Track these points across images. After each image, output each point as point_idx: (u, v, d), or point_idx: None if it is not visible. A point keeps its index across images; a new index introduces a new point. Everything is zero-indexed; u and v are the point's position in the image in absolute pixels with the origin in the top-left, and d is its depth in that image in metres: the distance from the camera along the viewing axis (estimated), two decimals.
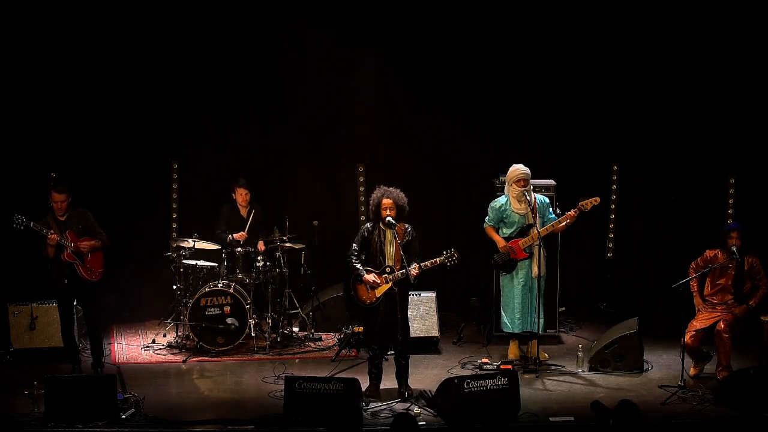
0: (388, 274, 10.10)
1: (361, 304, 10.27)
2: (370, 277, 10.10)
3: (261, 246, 12.11)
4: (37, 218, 10.52)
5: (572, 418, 9.68)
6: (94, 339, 10.86)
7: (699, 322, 10.78)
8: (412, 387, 10.29)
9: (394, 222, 10.10)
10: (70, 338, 10.79)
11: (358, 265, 10.15)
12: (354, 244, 10.24)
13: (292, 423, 9.44)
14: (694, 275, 10.84)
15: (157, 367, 11.32)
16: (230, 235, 11.99)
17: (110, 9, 12.60)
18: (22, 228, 10.39)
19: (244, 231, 12.12)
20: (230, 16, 12.84)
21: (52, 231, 10.42)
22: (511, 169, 11.24)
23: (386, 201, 10.11)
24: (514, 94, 13.27)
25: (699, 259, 10.94)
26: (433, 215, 13.30)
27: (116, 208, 12.81)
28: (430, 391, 10.11)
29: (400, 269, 10.07)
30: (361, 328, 11.19)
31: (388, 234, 10.17)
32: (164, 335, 12.19)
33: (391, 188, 10.19)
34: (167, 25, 12.73)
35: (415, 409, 9.82)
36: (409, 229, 10.22)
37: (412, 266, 10.03)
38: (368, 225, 10.29)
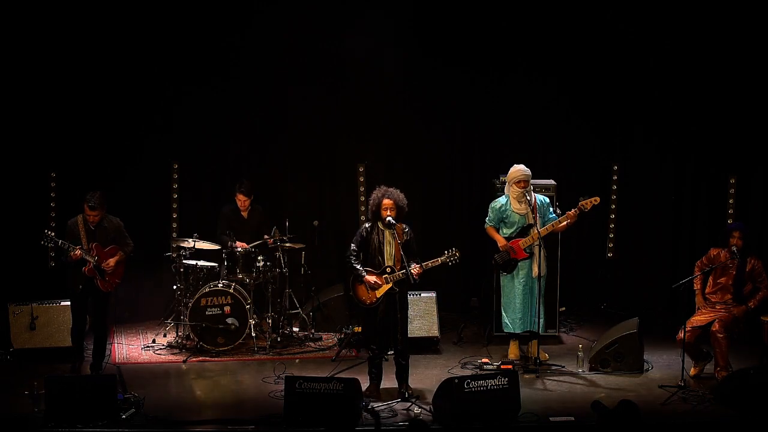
0: (389, 274, 10.10)
1: (360, 305, 10.27)
2: (372, 278, 10.10)
3: (243, 245, 12.05)
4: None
5: (572, 418, 9.69)
6: (98, 344, 10.85)
7: (697, 320, 10.80)
8: (412, 387, 10.29)
9: (393, 222, 10.10)
10: (79, 338, 10.78)
11: (358, 266, 10.15)
12: (352, 245, 10.24)
13: (293, 423, 9.44)
14: (698, 273, 10.85)
15: (157, 367, 11.32)
16: (232, 240, 11.96)
17: (111, 9, 12.60)
18: (50, 245, 10.39)
19: (246, 233, 12.13)
20: (231, 15, 12.84)
21: (79, 247, 10.40)
22: (511, 169, 11.24)
23: (387, 201, 10.11)
24: (515, 94, 13.27)
25: (704, 257, 10.96)
26: (433, 215, 13.30)
27: (116, 208, 12.74)
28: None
29: (400, 269, 10.07)
30: (360, 328, 11.20)
31: (387, 234, 10.17)
32: (164, 335, 12.20)
33: (391, 188, 10.20)
34: (167, 25, 12.73)
35: (416, 410, 9.82)
36: (407, 229, 10.22)
37: (415, 266, 10.03)
38: (366, 225, 10.29)
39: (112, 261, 10.60)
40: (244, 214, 12.38)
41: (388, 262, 10.14)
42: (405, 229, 10.21)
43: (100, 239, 10.56)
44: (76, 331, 10.75)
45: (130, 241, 10.82)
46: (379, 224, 10.19)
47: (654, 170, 13.46)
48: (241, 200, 12.29)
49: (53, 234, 10.41)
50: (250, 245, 12.01)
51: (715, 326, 10.61)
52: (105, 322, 10.86)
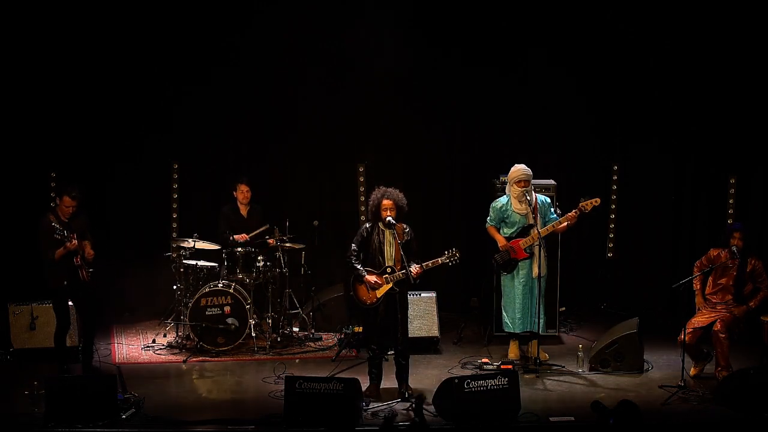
0: (389, 274, 10.10)
1: (361, 305, 10.27)
2: (372, 278, 10.11)
3: (243, 236, 12.05)
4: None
5: (572, 418, 9.68)
6: (86, 341, 10.84)
7: (698, 321, 10.80)
8: (412, 387, 10.29)
9: (393, 222, 10.10)
10: (62, 341, 10.77)
11: (359, 266, 10.15)
12: (353, 245, 10.24)
13: (293, 423, 9.44)
14: (698, 273, 10.86)
15: (157, 367, 11.32)
16: (231, 236, 11.98)
17: (111, 8, 12.60)
18: (58, 236, 10.40)
19: (245, 232, 12.12)
20: (231, 15, 12.84)
21: (73, 236, 10.41)
22: (512, 169, 11.23)
23: (386, 202, 10.12)
24: (515, 94, 13.27)
25: (703, 257, 10.96)
26: (433, 215, 13.29)
27: (116, 208, 12.83)
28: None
29: (401, 269, 10.08)
30: (360, 328, 11.20)
31: (387, 234, 10.17)
32: (164, 335, 12.20)
33: (390, 189, 10.20)
34: (167, 25, 12.74)
35: None
36: (407, 229, 10.23)
37: (415, 266, 10.04)
38: (367, 225, 10.29)
39: (90, 249, 10.60)
40: (244, 213, 12.38)
41: (389, 262, 10.14)
42: (405, 229, 10.21)
43: (75, 230, 10.57)
44: (60, 330, 10.73)
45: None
46: (380, 224, 10.19)
47: (654, 170, 13.46)
48: (244, 191, 12.25)
49: (59, 226, 10.42)
50: (251, 234, 11.99)
51: (717, 326, 10.60)
52: (95, 317, 10.86)
